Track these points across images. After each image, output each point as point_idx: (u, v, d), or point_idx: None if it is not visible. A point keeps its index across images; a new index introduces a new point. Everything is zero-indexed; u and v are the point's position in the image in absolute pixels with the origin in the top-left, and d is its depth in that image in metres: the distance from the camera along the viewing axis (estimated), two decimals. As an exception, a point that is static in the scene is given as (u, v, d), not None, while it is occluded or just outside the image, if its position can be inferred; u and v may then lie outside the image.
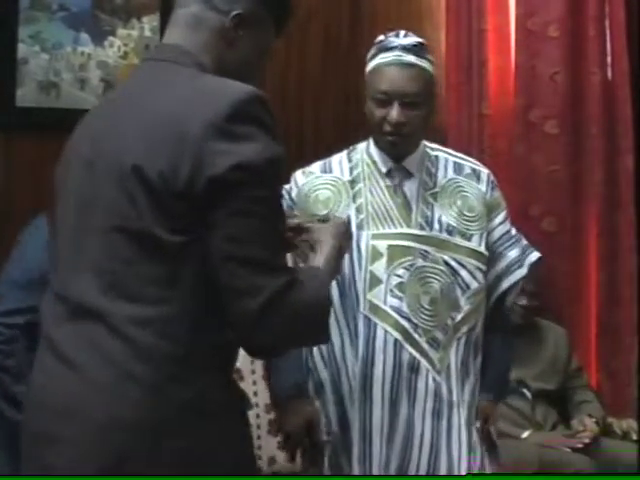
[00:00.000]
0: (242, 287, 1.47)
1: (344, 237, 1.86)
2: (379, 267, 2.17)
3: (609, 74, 3.75)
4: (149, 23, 3.56)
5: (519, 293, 3.21)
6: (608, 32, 3.75)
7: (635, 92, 3.72)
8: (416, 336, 2.15)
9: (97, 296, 1.50)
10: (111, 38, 3.52)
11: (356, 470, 2.15)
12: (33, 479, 1.66)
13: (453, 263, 2.19)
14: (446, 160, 2.31)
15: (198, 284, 1.49)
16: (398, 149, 2.23)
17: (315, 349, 2.23)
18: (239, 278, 1.47)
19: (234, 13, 1.63)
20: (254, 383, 3.18)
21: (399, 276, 2.16)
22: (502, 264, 2.29)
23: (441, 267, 2.18)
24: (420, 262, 2.17)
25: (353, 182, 2.26)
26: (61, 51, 3.46)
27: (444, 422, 2.15)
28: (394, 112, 2.15)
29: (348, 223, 1.99)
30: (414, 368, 2.14)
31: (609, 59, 3.75)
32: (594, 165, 3.71)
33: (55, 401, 1.50)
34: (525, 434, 3.36)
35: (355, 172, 2.27)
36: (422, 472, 2.13)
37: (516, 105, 3.81)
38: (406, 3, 3.91)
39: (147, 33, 3.56)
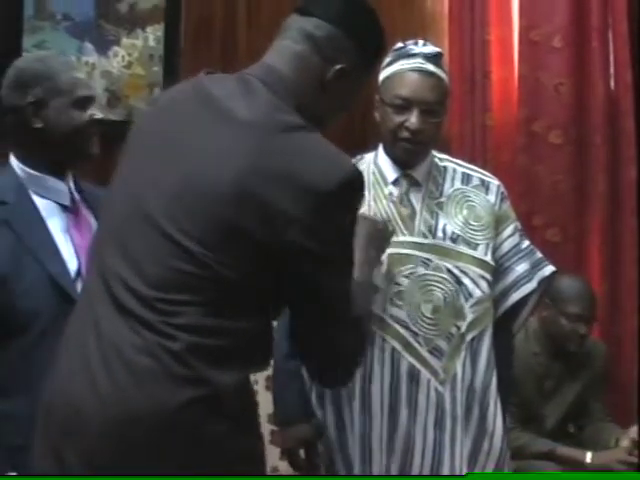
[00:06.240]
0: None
1: (374, 237, 1.98)
2: (378, 276, 2.17)
3: (612, 85, 3.76)
4: (153, 33, 3.57)
5: (577, 320, 3.22)
6: (611, 43, 3.75)
7: (638, 103, 3.72)
8: (416, 345, 2.14)
9: (134, 298, 1.52)
10: (115, 48, 3.52)
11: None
12: (32, 479, 1.67)
13: (456, 271, 2.18)
14: (454, 170, 2.31)
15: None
16: (412, 156, 2.22)
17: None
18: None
19: (338, 67, 1.65)
20: (256, 393, 3.17)
21: (399, 284, 2.15)
22: (510, 278, 2.28)
23: (444, 275, 2.17)
24: (422, 270, 2.17)
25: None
26: (65, 61, 3.46)
27: (447, 435, 2.14)
28: (414, 118, 2.14)
29: (381, 222, 2.08)
30: (414, 377, 2.13)
31: (612, 70, 3.75)
32: (597, 175, 3.70)
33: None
34: (588, 458, 3.18)
35: (361, 181, 2.26)
36: None
37: (519, 116, 3.81)
38: (410, 13, 3.92)
39: (151, 43, 3.56)
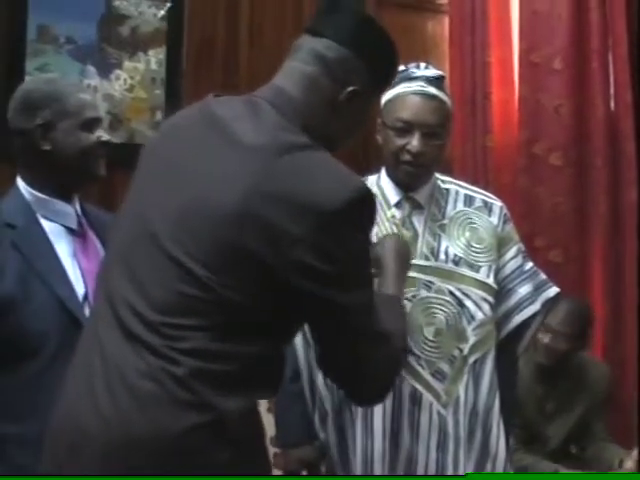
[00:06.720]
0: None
1: (401, 253, 1.99)
2: None
3: (612, 106, 3.77)
4: (155, 56, 3.58)
5: (542, 330, 3.23)
6: (611, 65, 3.76)
7: (638, 124, 3.73)
8: (419, 368, 2.13)
9: (140, 323, 1.51)
10: (117, 71, 3.54)
11: None
12: (32, 479, 1.66)
13: (458, 293, 2.18)
14: (457, 192, 2.31)
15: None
16: (414, 179, 2.22)
17: (320, 379, 2.24)
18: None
19: (350, 89, 1.64)
20: (258, 415, 3.16)
21: None
22: (512, 300, 2.27)
23: (446, 297, 2.17)
24: (424, 293, 2.16)
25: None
26: (67, 84, 3.47)
27: (449, 458, 2.13)
28: (415, 141, 2.15)
29: (400, 237, 2.09)
30: (416, 400, 2.13)
31: (612, 91, 3.77)
32: (598, 197, 3.71)
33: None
34: None
35: (363, 203, 2.27)
36: None
37: (520, 137, 3.82)
38: (410, 36, 3.93)
39: (153, 66, 3.58)
